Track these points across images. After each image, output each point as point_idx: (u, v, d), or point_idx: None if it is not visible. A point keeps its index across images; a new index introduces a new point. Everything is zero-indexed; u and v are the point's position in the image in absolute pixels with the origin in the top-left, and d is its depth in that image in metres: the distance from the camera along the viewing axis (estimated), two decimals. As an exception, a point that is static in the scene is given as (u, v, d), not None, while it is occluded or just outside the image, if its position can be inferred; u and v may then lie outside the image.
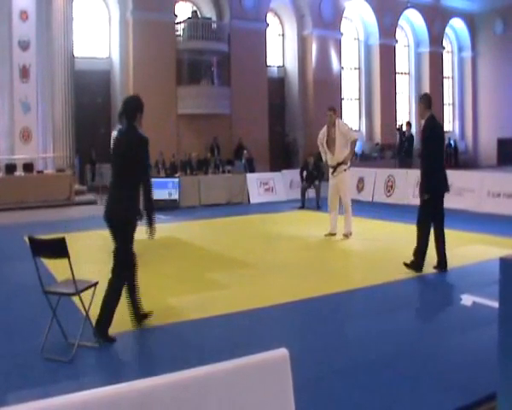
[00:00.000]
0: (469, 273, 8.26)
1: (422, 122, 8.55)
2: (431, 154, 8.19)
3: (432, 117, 8.40)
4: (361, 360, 5.06)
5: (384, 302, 7.34)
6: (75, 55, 24.39)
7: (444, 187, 8.26)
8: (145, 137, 6.08)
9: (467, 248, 9.67)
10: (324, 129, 11.78)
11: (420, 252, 8.27)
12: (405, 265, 8.35)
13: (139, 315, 6.15)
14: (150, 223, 6.18)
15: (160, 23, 26.63)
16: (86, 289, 5.54)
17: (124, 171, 5.99)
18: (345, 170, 11.42)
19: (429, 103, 8.42)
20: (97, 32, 27.28)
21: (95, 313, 5.72)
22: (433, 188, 8.18)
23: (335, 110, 11.83)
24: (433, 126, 8.35)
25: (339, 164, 11.36)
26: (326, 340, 5.67)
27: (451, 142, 36.13)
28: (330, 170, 11.59)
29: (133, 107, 6.16)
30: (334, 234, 11.71)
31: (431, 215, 8.24)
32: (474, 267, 8.58)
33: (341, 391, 4.46)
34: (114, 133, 9.42)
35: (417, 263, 8.28)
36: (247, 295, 7.50)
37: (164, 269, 9.29)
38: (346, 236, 11.43)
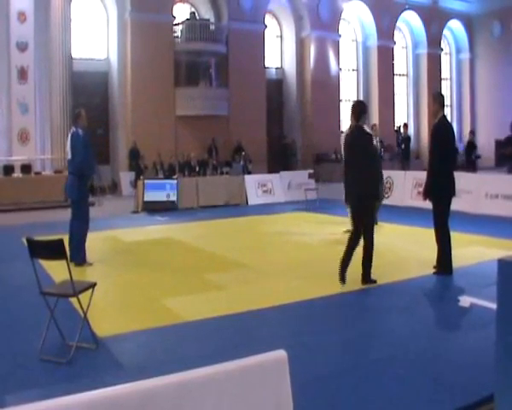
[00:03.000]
0: (467, 275, 8.25)
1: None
2: (443, 155, 8.09)
3: (445, 118, 8.34)
4: (360, 361, 5.07)
5: (383, 304, 7.34)
6: (73, 57, 24.38)
7: (453, 191, 8.20)
8: (369, 132, 8.13)
9: (465, 250, 9.66)
10: (348, 128, 12.24)
11: (447, 255, 8.22)
12: (435, 273, 8.28)
13: (367, 275, 7.84)
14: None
15: (158, 24, 26.64)
16: (84, 290, 5.53)
17: (358, 161, 7.63)
18: None
19: (443, 103, 8.41)
20: (95, 33, 27.29)
21: (93, 314, 5.72)
22: (444, 190, 8.12)
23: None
24: (447, 128, 8.28)
25: None
26: (324, 341, 5.66)
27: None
28: None
29: (359, 110, 7.86)
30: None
31: (447, 216, 8.20)
32: (472, 269, 8.57)
33: (341, 392, 4.46)
34: (69, 136, 9.62)
35: (446, 266, 8.23)
36: (245, 296, 7.49)
37: (162, 270, 9.28)
38: None
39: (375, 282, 7.87)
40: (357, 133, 7.88)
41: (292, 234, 12.66)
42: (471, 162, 19.49)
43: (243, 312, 6.69)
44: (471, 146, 19.63)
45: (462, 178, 12.44)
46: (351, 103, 8.53)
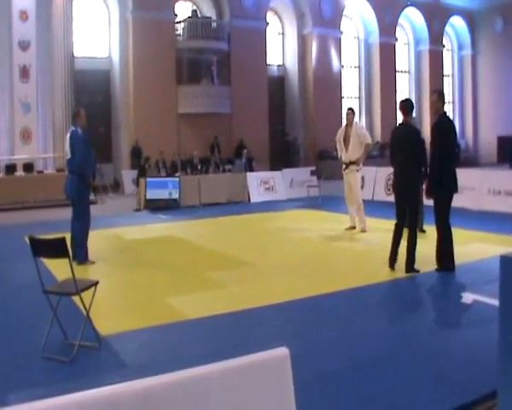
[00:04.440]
0: (470, 271, 8.24)
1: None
2: (444, 152, 8.04)
3: (446, 114, 8.35)
4: (361, 359, 5.06)
5: (384, 301, 7.36)
6: (75, 55, 24.39)
7: (455, 187, 8.17)
8: (418, 128, 8.90)
9: (467, 246, 9.65)
10: (343, 127, 12.52)
11: (449, 251, 8.19)
12: (437, 270, 8.25)
13: (411, 265, 8.24)
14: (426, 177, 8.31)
15: (160, 22, 26.65)
16: (87, 288, 5.53)
17: (409, 154, 8.22)
18: (357, 170, 12.06)
19: (444, 101, 8.44)
20: (97, 31, 27.29)
21: (95, 312, 5.72)
22: (445, 187, 8.10)
23: (354, 110, 12.59)
24: (449, 125, 8.27)
25: (351, 162, 11.99)
26: (327, 339, 5.66)
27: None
28: (343, 166, 12.22)
29: (407, 107, 8.52)
30: (354, 227, 12.32)
31: (449, 212, 8.18)
32: (475, 265, 8.57)
33: (342, 390, 4.45)
34: (68, 135, 9.63)
35: (449, 264, 8.21)
36: (247, 294, 7.49)
37: (164, 268, 9.28)
38: (362, 231, 12.00)
39: (417, 271, 8.23)
40: (405, 129, 8.50)
41: (294, 231, 12.66)
42: None
43: (245, 310, 6.68)
44: None
45: (464, 175, 12.43)
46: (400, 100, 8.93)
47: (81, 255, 9.39)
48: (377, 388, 4.46)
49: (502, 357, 3.18)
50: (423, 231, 11.13)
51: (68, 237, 5.82)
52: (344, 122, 12.48)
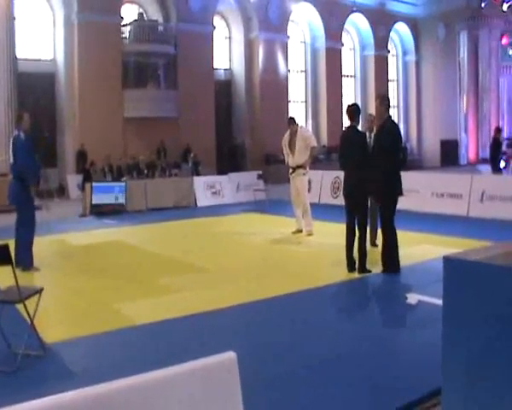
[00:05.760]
0: (414, 272, 8.41)
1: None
2: (390, 156, 8.17)
3: (390, 118, 8.52)
4: (308, 362, 5.10)
5: (331, 303, 7.43)
6: (18, 57, 23.84)
7: (400, 190, 8.32)
8: (362, 132, 9.08)
9: (412, 248, 9.82)
10: (289, 131, 12.47)
11: (394, 253, 8.31)
12: (383, 272, 8.33)
13: (362, 265, 8.42)
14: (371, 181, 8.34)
15: (106, 25, 26.31)
16: (31, 296, 5.41)
17: (352, 157, 8.45)
18: (303, 174, 12.17)
19: (388, 105, 8.61)
20: (41, 33, 26.76)
21: (40, 320, 5.60)
22: (391, 190, 8.23)
23: (295, 120, 12.58)
24: (394, 129, 8.42)
25: (298, 166, 12.06)
26: (275, 343, 5.68)
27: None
28: (290, 170, 12.30)
29: (353, 111, 8.73)
30: (300, 230, 12.36)
31: (394, 215, 8.28)
32: (419, 266, 8.73)
33: (289, 394, 4.48)
34: (11, 140, 9.58)
35: (394, 266, 8.31)
36: (198, 298, 7.46)
37: (112, 274, 9.17)
38: (309, 234, 12.06)
39: (369, 271, 8.40)
40: (351, 133, 8.73)
41: (242, 235, 12.68)
42: (496, 162, 18.08)
43: (196, 314, 6.65)
44: (497, 144, 18.16)
45: (409, 178, 12.66)
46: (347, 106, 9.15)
47: (26, 262, 9.19)
48: (326, 388, 4.50)
49: (445, 355, 3.25)
50: (375, 246, 10.13)
51: (11, 243, 5.69)
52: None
